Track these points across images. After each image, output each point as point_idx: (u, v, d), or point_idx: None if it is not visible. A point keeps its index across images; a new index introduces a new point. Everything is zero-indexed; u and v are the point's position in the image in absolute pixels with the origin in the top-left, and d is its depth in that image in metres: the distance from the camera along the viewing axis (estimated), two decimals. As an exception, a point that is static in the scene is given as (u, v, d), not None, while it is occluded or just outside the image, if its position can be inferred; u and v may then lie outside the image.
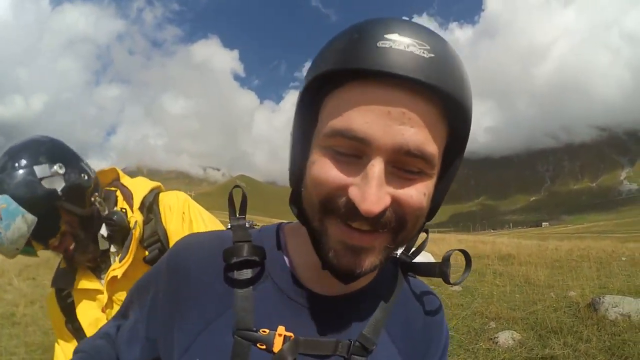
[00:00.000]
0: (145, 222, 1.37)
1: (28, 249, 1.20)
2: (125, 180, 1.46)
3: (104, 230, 1.32)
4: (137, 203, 1.36)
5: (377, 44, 0.46)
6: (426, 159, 0.48)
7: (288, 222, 0.73)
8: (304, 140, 0.56)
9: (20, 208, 1.10)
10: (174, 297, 0.63)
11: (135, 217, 1.33)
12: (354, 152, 0.49)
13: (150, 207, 1.39)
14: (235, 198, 0.70)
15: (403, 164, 0.49)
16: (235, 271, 0.61)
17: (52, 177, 1.17)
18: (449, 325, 4.87)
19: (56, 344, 1.41)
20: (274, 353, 0.56)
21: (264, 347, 0.57)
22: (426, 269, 0.69)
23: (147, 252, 1.34)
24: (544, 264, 8.99)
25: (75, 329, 1.34)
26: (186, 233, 1.29)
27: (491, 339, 4.43)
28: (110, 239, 1.34)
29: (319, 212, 0.52)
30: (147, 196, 1.40)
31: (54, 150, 1.22)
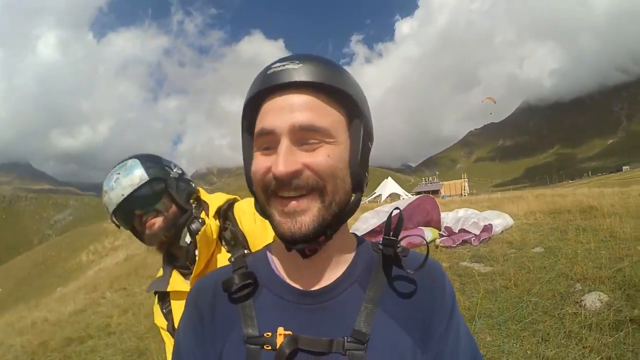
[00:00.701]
0: (222, 229, 1.56)
1: (126, 210, 1.44)
2: (204, 196, 1.66)
3: (188, 239, 1.51)
4: (212, 212, 1.56)
5: (267, 72, 0.68)
6: (319, 131, 0.65)
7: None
8: (248, 153, 0.73)
9: (142, 167, 1.45)
10: (200, 329, 0.78)
11: (209, 223, 1.51)
12: (271, 144, 0.67)
13: (225, 214, 1.58)
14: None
15: (305, 139, 0.66)
16: (237, 293, 0.75)
17: (172, 168, 1.55)
18: (532, 290, 4.77)
19: (166, 347, 1.57)
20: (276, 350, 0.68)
21: (269, 347, 0.68)
22: (394, 260, 0.76)
23: (230, 255, 1.48)
24: (629, 214, 8.37)
25: (174, 331, 1.50)
26: (260, 231, 1.52)
27: (577, 302, 4.25)
28: (193, 245, 1.50)
29: (264, 197, 0.69)
30: (222, 205, 1.59)
31: (175, 164, 1.60)
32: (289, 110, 0.65)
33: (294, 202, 0.65)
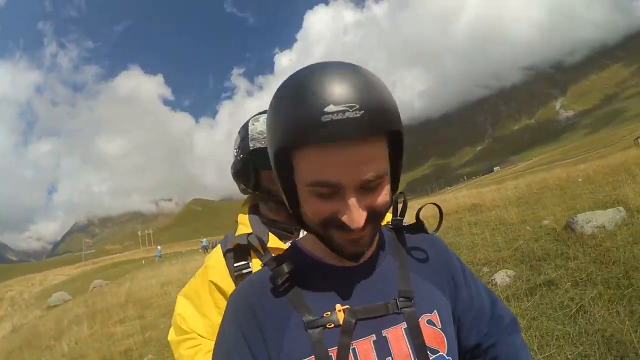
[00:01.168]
0: None
1: None
2: None
3: None
4: None
5: (322, 119, 0.58)
6: (380, 176, 0.66)
7: (300, 238, 0.94)
8: (289, 183, 0.71)
9: None
10: (256, 331, 0.75)
11: None
12: (332, 192, 0.65)
13: None
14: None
15: (367, 185, 0.65)
16: (285, 284, 0.77)
17: None
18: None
19: (188, 312, 1.37)
20: (341, 326, 0.71)
21: (332, 325, 0.71)
22: (410, 228, 0.92)
23: None
24: (510, 203, 9.39)
25: None
26: None
27: (489, 282, 4.60)
28: None
29: (322, 227, 0.70)
30: None
31: None
32: (354, 166, 0.62)
33: (357, 233, 0.68)
